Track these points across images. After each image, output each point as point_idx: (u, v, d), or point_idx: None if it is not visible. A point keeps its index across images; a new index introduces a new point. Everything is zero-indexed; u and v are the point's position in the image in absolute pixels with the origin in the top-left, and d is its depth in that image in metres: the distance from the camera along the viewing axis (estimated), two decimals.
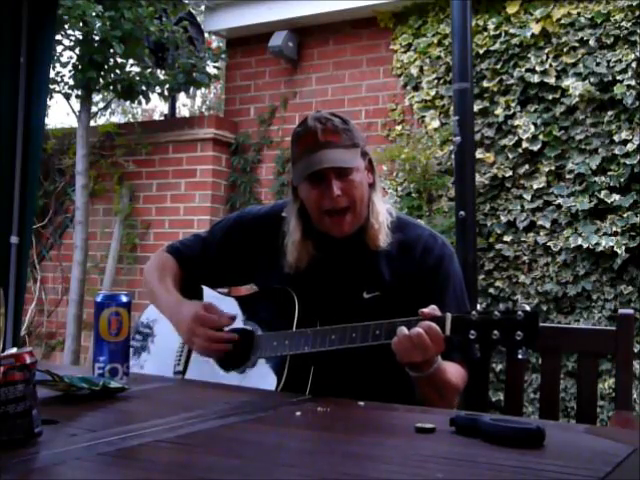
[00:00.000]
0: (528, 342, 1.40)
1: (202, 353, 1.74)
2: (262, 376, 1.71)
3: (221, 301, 1.92)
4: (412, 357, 1.47)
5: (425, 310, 1.49)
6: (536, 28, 4.20)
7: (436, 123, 4.50)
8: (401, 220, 1.80)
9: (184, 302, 1.77)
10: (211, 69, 5.25)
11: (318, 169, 1.64)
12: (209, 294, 1.94)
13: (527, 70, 4.21)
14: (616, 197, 3.89)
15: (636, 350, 3.49)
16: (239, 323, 1.81)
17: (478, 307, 1.46)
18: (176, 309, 1.77)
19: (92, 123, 5.13)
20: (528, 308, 1.41)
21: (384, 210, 1.74)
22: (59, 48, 4.72)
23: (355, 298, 1.70)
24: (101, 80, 4.76)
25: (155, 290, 1.87)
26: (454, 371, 1.63)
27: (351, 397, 1.41)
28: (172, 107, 5.95)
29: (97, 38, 4.57)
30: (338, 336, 1.58)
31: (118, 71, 4.80)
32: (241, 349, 1.76)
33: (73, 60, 4.70)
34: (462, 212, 3.65)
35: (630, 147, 3.89)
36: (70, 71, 4.73)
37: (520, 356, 1.42)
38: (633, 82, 3.91)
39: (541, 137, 4.14)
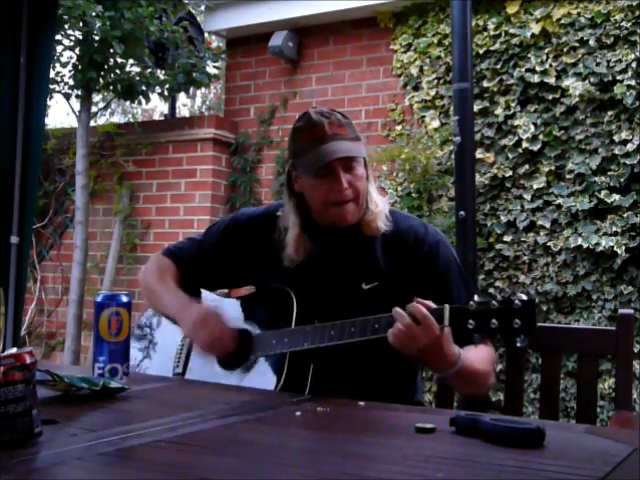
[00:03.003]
0: (526, 330, 1.41)
1: (205, 349, 1.72)
2: (261, 376, 1.71)
3: (220, 303, 1.92)
4: (407, 348, 1.47)
5: (420, 300, 1.48)
6: (536, 28, 4.20)
7: (436, 123, 4.50)
8: (393, 213, 1.81)
9: (193, 302, 1.77)
10: (211, 69, 5.25)
11: (334, 158, 1.66)
12: (207, 296, 1.94)
13: (527, 70, 4.21)
14: (616, 197, 3.89)
15: (636, 350, 3.48)
16: (238, 323, 1.81)
17: (475, 298, 1.46)
18: (183, 307, 1.75)
19: (92, 123, 5.13)
20: (525, 297, 1.42)
21: (381, 199, 1.77)
22: (59, 48, 4.72)
23: (354, 290, 1.70)
24: (101, 80, 4.76)
25: (156, 289, 1.85)
26: (479, 357, 1.60)
27: (350, 396, 1.41)
28: (172, 107, 5.95)
29: (97, 38, 4.58)
30: (337, 331, 1.58)
31: (118, 71, 4.80)
32: (240, 349, 1.76)
33: (73, 60, 4.70)
34: (462, 212, 3.66)
35: (630, 147, 3.89)
36: (70, 71, 4.73)
37: (519, 344, 1.43)
38: (633, 82, 3.91)
39: (541, 137, 4.14)
